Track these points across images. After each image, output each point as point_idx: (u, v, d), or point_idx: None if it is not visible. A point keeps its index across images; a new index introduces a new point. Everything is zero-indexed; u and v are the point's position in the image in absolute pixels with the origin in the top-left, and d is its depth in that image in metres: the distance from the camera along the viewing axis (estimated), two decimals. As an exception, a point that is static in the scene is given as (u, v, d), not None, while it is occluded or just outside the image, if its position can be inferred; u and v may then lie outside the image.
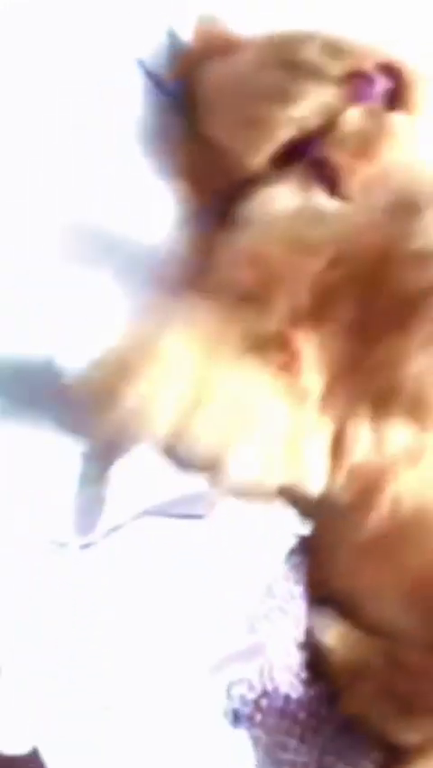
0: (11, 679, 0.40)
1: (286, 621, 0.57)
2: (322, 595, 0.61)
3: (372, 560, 0.59)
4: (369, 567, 0.59)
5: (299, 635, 0.58)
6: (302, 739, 0.56)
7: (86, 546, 0.45)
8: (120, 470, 0.47)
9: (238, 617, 0.52)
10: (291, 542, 0.57)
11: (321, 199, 0.63)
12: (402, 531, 0.57)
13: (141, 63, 0.62)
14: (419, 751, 0.61)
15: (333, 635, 0.60)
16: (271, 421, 0.52)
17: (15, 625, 0.41)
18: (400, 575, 0.58)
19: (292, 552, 0.58)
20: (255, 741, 0.53)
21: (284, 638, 0.56)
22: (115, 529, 0.46)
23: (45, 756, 0.39)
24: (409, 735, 0.61)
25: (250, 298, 0.56)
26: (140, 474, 0.47)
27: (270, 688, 0.54)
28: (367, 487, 0.55)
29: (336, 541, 0.59)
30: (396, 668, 0.61)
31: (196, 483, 0.50)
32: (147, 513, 0.47)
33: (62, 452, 0.47)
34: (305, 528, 0.57)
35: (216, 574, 0.51)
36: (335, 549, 0.60)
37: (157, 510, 0.48)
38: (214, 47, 0.67)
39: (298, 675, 0.57)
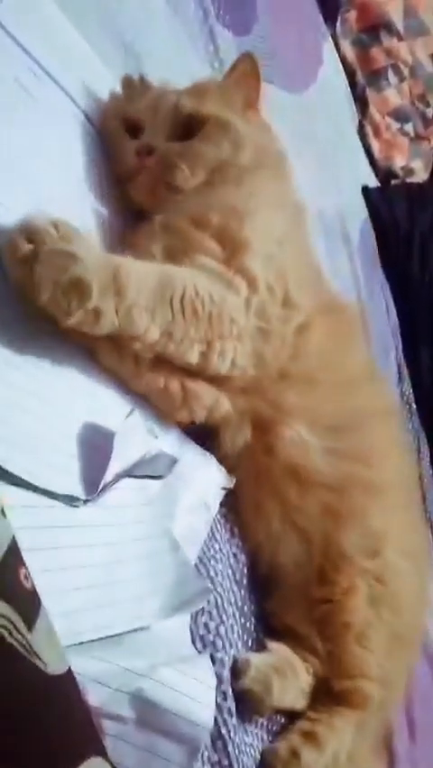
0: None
1: (225, 561, 0.67)
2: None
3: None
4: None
5: (237, 573, 0.69)
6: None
7: (87, 502, 0.52)
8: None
9: (194, 558, 0.62)
10: (221, 494, 0.68)
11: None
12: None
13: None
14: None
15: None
16: None
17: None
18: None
19: (222, 503, 0.69)
20: (220, 663, 0.62)
21: (226, 576, 0.67)
22: (104, 488, 0.53)
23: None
24: None
25: None
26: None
27: (224, 617, 0.64)
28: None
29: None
30: None
31: (155, 446, 0.60)
32: (118, 474, 0.55)
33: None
34: (230, 482, 0.69)
35: (171, 522, 0.61)
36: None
37: (124, 472, 0.56)
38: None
39: (241, 609, 0.68)
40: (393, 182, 1.84)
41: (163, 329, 0.61)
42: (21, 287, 0.54)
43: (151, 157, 0.74)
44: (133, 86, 0.82)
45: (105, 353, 0.62)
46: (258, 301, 0.69)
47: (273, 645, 0.71)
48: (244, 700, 0.65)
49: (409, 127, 1.96)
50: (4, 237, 0.54)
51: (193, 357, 0.64)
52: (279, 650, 0.71)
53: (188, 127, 0.77)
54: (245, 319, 0.67)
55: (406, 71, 1.96)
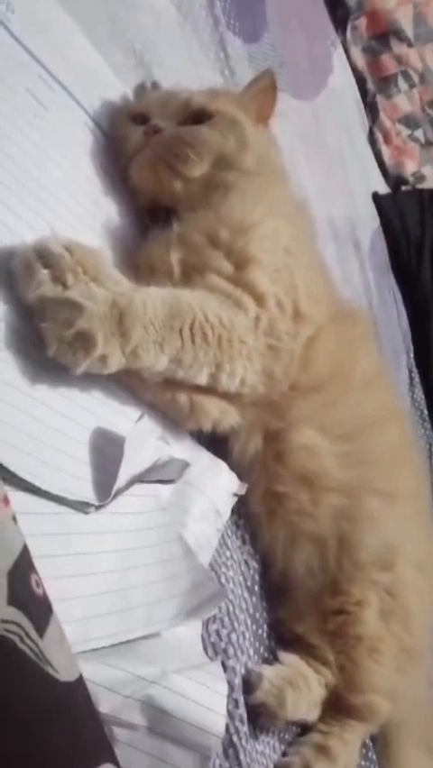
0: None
1: (236, 568, 0.67)
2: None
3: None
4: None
5: (249, 581, 0.68)
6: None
7: (100, 508, 0.52)
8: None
9: (206, 564, 0.62)
10: (233, 500, 0.68)
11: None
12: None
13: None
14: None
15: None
16: None
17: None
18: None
19: (233, 510, 0.69)
20: (231, 670, 0.62)
21: (237, 583, 0.67)
22: (117, 494, 0.53)
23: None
24: None
25: None
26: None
27: (235, 625, 0.64)
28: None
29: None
30: None
31: (167, 453, 0.60)
32: (130, 480, 0.55)
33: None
34: (242, 489, 0.69)
35: (183, 529, 0.60)
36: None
37: (137, 477, 0.56)
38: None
39: (253, 616, 0.68)
40: (404, 188, 1.84)
41: (172, 357, 0.61)
42: (33, 309, 0.54)
43: (157, 134, 0.74)
44: (145, 91, 0.83)
45: None
46: (267, 318, 0.69)
47: (286, 657, 0.71)
48: (258, 713, 0.65)
49: (419, 133, 1.95)
50: (19, 258, 0.55)
51: (202, 379, 0.64)
52: (292, 662, 0.71)
53: (198, 119, 0.77)
54: (254, 338, 0.67)
55: (416, 78, 1.96)
